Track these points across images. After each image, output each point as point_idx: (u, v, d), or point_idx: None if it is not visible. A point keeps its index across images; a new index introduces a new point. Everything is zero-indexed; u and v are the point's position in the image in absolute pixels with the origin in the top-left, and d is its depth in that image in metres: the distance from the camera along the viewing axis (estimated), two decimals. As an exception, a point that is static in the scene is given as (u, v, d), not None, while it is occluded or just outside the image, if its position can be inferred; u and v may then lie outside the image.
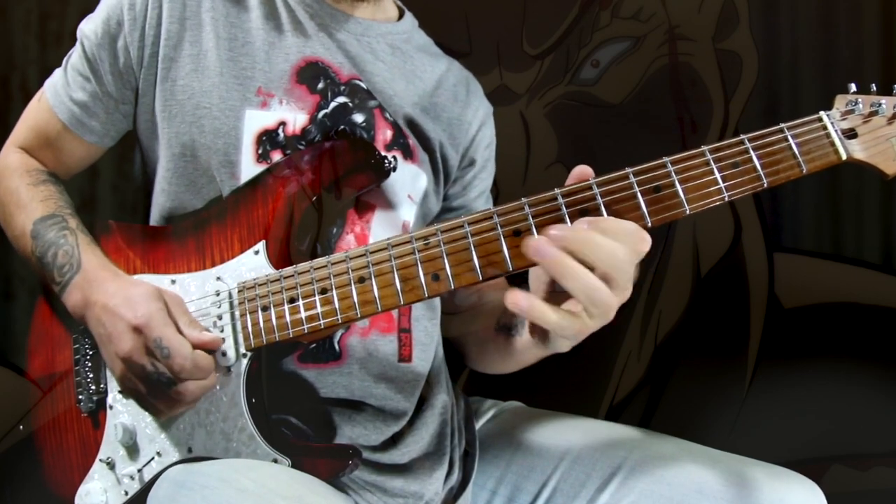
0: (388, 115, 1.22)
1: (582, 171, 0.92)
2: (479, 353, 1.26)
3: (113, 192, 2.10)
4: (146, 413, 1.09)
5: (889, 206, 2.45)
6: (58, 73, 1.27)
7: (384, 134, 1.21)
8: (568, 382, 2.42)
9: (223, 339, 1.05)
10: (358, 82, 1.21)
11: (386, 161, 1.16)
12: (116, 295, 1.05)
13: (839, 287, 2.49)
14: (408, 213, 1.23)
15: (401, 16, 1.33)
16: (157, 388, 1.02)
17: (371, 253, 0.98)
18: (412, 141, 1.23)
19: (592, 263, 0.84)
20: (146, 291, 1.04)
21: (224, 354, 1.06)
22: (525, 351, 1.11)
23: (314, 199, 1.10)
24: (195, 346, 1.02)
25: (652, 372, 2.53)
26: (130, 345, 1.02)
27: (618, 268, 0.85)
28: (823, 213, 2.49)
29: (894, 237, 2.47)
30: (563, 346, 0.96)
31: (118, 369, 1.04)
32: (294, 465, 1.03)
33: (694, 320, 2.52)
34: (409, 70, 1.27)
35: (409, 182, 1.23)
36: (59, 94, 1.25)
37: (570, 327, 0.87)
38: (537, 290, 0.93)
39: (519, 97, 2.45)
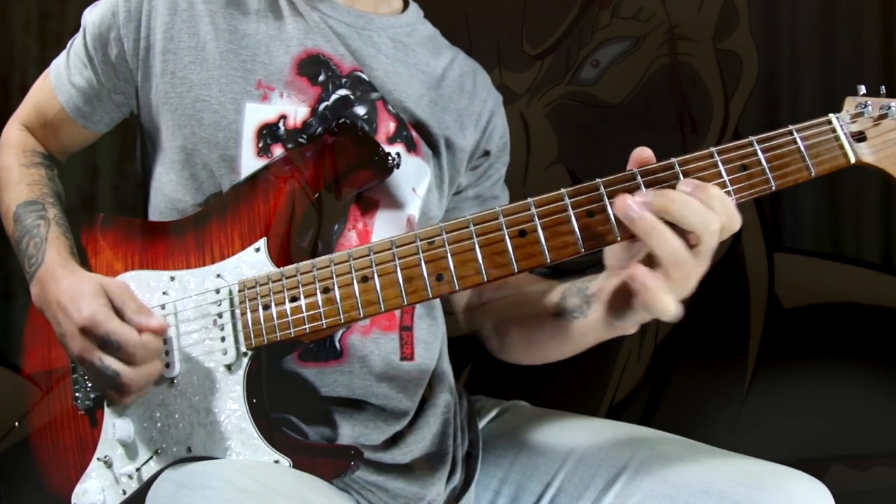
0: (390, 108, 1.21)
1: (641, 155, 0.92)
2: (526, 342, 1.22)
3: (113, 191, 2.09)
4: (146, 411, 1.09)
5: (889, 206, 2.45)
6: (63, 55, 1.28)
7: (387, 126, 1.20)
8: (568, 382, 2.41)
9: (168, 324, 1.07)
10: (360, 74, 1.20)
11: (389, 158, 1.15)
12: (67, 293, 1.08)
13: (839, 287, 2.49)
14: (413, 207, 1.22)
15: (405, 7, 1.32)
16: (106, 380, 1.03)
17: (375, 252, 0.98)
18: (415, 134, 1.22)
19: (682, 225, 0.87)
20: (90, 289, 1.06)
21: (224, 353, 1.05)
22: (588, 333, 1.08)
23: (316, 195, 1.10)
24: (142, 331, 1.03)
25: (652, 372, 2.53)
26: (80, 345, 1.04)
27: (706, 233, 0.87)
28: (823, 213, 2.50)
29: (894, 237, 2.47)
30: (634, 323, 0.97)
31: (78, 365, 1.08)
32: (295, 466, 1.02)
33: (694, 320, 2.51)
34: (412, 64, 1.26)
35: (413, 175, 1.21)
36: (61, 76, 1.26)
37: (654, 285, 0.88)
38: (612, 266, 0.96)
39: (519, 97, 2.45)
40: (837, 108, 0.94)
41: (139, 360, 1.02)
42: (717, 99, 2.52)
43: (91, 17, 1.22)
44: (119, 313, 1.04)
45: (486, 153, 1.34)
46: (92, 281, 1.08)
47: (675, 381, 2.53)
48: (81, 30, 1.24)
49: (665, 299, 0.89)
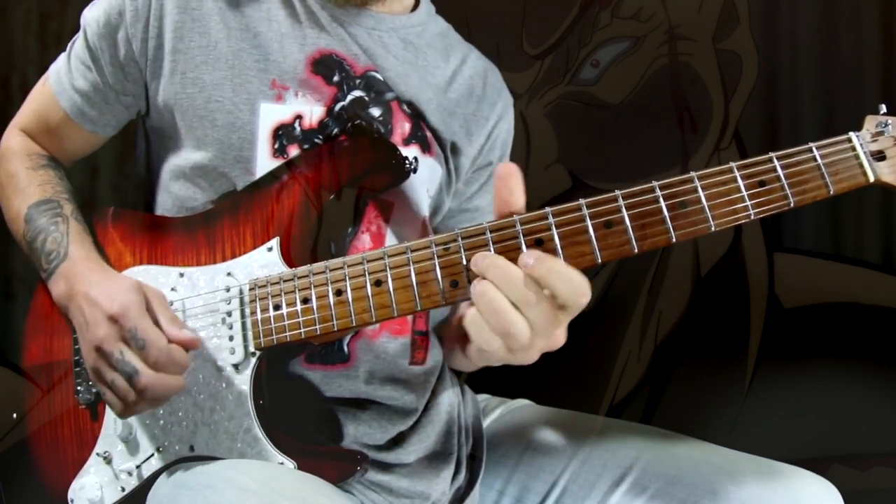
0: (405, 108, 1.20)
1: (507, 175, 0.92)
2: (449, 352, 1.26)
3: (113, 191, 2.09)
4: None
5: (889, 206, 2.46)
6: (62, 58, 1.25)
7: (402, 127, 1.19)
8: (568, 382, 2.41)
9: (200, 341, 1.04)
10: (374, 74, 1.18)
11: (406, 162, 1.14)
12: (98, 285, 1.05)
13: (839, 287, 2.49)
14: (426, 209, 1.21)
15: (416, 4, 1.29)
16: (120, 378, 0.99)
17: (389, 256, 0.97)
18: (430, 133, 1.21)
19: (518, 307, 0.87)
20: (127, 283, 1.04)
21: (232, 352, 1.05)
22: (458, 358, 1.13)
23: (331, 197, 1.09)
24: (172, 342, 1.00)
25: (652, 372, 2.53)
26: (104, 333, 1.00)
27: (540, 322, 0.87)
28: (823, 213, 2.50)
29: (894, 237, 2.48)
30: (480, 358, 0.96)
31: (91, 360, 1.02)
32: (300, 468, 1.01)
33: (694, 320, 2.52)
34: (422, 66, 1.24)
35: (427, 177, 1.21)
36: (61, 80, 1.23)
37: (489, 342, 0.89)
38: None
39: (519, 97, 2.45)
40: (838, 109, 0.95)
41: (161, 367, 0.99)
42: (717, 99, 2.52)
43: (93, 16, 1.19)
44: (152, 317, 1.02)
45: (489, 163, 1.32)
46: (129, 278, 1.06)
47: (675, 381, 2.53)
48: (81, 31, 1.21)
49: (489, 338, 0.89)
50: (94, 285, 1.05)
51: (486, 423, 1.31)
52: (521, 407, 1.34)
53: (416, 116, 1.20)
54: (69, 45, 1.25)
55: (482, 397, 1.36)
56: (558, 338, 0.91)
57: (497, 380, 1.35)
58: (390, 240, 1.16)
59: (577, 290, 0.86)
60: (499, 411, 1.33)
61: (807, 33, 2.47)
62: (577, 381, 2.46)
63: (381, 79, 1.19)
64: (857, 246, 2.49)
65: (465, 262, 0.93)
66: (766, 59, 2.50)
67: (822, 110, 2.39)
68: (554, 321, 0.88)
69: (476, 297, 0.87)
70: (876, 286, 2.48)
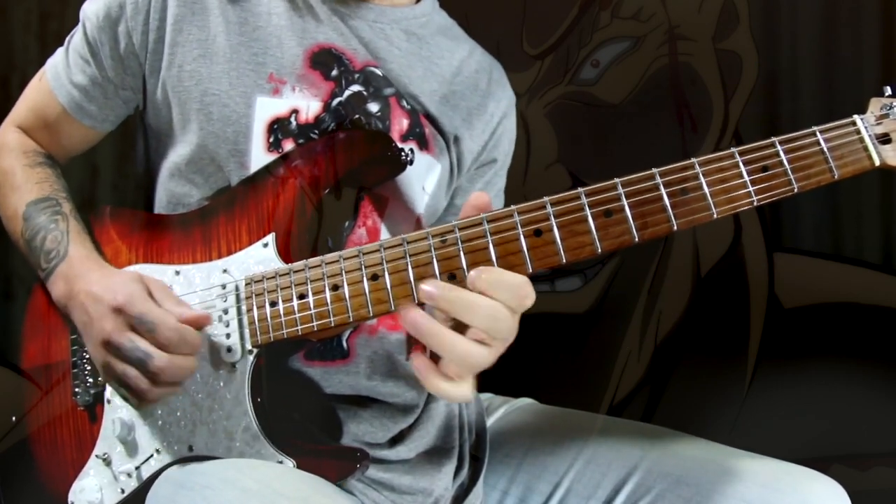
0: (404, 104, 1.19)
1: (479, 199, 0.93)
2: None
3: (113, 191, 2.09)
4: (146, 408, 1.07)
5: (889, 206, 2.46)
6: (59, 53, 1.24)
7: (400, 123, 1.18)
8: (568, 382, 2.42)
9: (210, 318, 1.03)
10: (373, 69, 1.18)
11: (402, 154, 1.14)
12: (98, 282, 1.04)
13: (839, 287, 2.49)
14: (421, 205, 1.20)
15: None
16: (136, 367, 0.98)
17: (385, 249, 0.95)
18: (429, 130, 1.20)
19: (469, 324, 0.86)
20: (127, 276, 1.03)
21: (229, 350, 1.04)
22: None
23: (327, 191, 1.08)
24: (181, 321, 0.99)
25: (652, 372, 2.53)
26: (111, 325, 0.99)
27: (495, 328, 0.86)
28: (823, 213, 2.50)
29: (894, 237, 2.48)
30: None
31: (99, 356, 1.02)
32: (300, 467, 1.00)
33: (694, 320, 2.52)
34: (426, 56, 1.23)
35: (423, 173, 1.20)
36: (59, 75, 1.22)
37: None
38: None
39: (519, 97, 2.44)
40: (837, 108, 0.94)
41: (173, 347, 0.98)
42: (717, 99, 2.53)
43: (93, 10, 1.18)
44: (157, 303, 1.00)
45: (493, 160, 1.31)
46: (129, 272, 1.05)
47: (675, 381, 2.53)
48: (80, 25, 1.21)
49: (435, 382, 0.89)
50: (94, 282, 1.04)
51: (490, 421, 1.30)
52: (524, 406, 1.33)
53: (415, 112, 1.20)
54: (67, 40, 1.24)
55: (485, 396, 1.36)
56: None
57: (498, 379, 1.35)
58: (385, 235, 1.15)
59: (519, 293, 0.87)
60: (502, 410, 1.32)
61: (807, 33, 2.47)
62: (577, 381, 2.46)
63: (381, 74, 1.18)
64: (857, 246, 2.50)
65: (462, 254, 0.91)
66: (766, 58, 2.50)
67: (821, 110, 2.39)
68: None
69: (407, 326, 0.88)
70: (876, 286, 2.48)
